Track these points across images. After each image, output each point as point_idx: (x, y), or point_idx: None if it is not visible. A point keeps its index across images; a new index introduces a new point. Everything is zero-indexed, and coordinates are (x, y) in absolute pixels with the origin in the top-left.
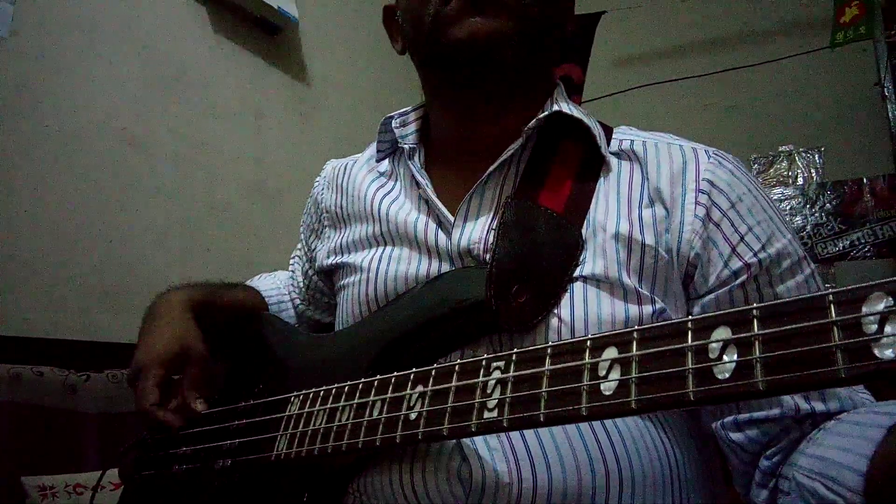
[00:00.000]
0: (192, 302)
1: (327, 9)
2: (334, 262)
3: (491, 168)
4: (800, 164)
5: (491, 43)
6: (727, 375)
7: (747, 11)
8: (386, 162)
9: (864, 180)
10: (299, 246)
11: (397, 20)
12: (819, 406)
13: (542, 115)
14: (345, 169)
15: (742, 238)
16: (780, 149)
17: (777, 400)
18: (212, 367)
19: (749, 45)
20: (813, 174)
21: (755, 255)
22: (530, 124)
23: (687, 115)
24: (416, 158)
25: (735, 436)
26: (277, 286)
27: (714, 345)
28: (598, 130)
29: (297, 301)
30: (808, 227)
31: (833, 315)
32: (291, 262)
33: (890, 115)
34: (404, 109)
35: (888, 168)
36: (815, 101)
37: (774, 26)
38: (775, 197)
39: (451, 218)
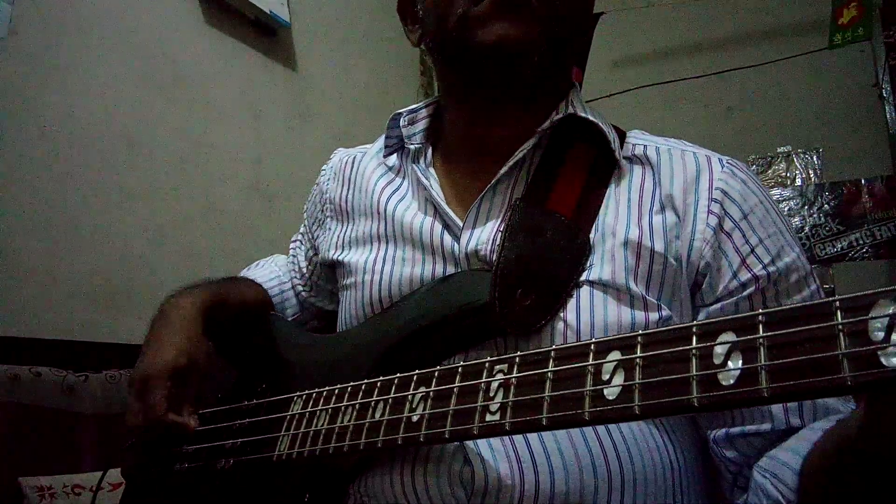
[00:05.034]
0: (202, 306)
1: (323, 10)
2: (337, 257)
3: (502, 171)
4: (798, 165)
5: (518, 48)
6: (732, 382)
7: (746, 13)
8: (394, 156)
9: (862, 181)
10: (301, 230)
11: (416, 10)
12: (810, 423)
13: (556, 118)
14: (353, 161)
15: (752, 250)
16: (779, 150)
17: (769, 415)
18: (214, 374)
19: (748, 47)
20: (811, 175)
21: (764, 267)
22: (544, 125)
23: (686, 116)
24: (422, 160)
25: (729, 453)
26: (277, 274)
27: (719, 350)
28: (612, 135)
29: (300, 288)
30: (807, 228)
31: (839, 322)
32: (292, 246)
33: (888, 116)
34: (414, 106)
35: (886, 169)
36: (813, 102)
37: (773, 28)
38: (773, 198)
39: (460, 222)
